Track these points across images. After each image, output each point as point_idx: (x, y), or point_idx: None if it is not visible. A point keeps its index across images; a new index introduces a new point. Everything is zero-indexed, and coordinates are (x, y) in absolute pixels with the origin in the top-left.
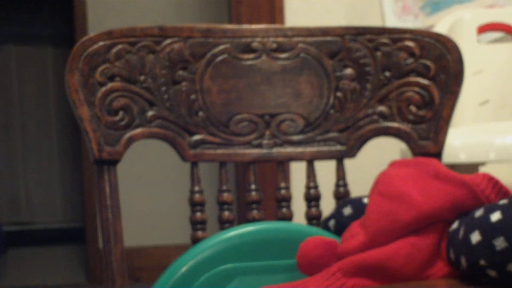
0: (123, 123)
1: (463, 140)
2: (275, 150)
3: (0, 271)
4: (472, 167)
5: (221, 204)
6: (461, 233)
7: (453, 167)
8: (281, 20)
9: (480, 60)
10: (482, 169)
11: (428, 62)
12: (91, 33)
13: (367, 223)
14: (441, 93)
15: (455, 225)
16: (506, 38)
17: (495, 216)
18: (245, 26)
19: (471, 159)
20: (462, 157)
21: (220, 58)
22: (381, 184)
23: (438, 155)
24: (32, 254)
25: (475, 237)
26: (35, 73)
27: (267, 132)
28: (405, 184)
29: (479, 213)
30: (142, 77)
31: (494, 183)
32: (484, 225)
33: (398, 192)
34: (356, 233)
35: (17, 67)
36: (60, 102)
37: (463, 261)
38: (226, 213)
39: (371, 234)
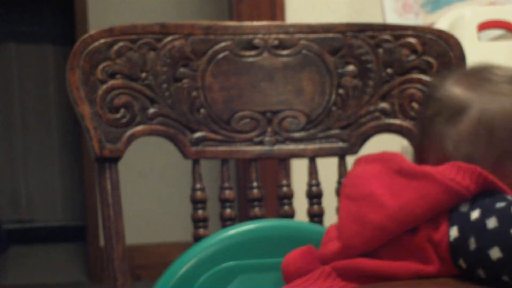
0: (124, 120)
1: None
2: (277, 147)
3: (0, 269)
4: None
5: (223, 202)
6: (473, 244)
7: None
8: (281, 17)
9: (480, 58)
10: None
11: (430, 59)
12: (92, 31)
13: (340, 229)
14: None
15: (454, 232)
16: (507, 36)
17: None
18: (247, 23)
19: None
20: None
21: (221, 55)
22: (348, 187)
23: None
24: (33, 252)
25: (496, 253)
26: (35, 71)
27: (269, 129)
28: (371, 184)
29: (492, 223)
30: (143, 75)
31: (468, 171)
32: (505, 241)
33: (364, 193)
34: (333, 237)
35: (17, 65)
36: (61, 100)
37: (481, 273)
38: (228, 211)
39: (345, 239)
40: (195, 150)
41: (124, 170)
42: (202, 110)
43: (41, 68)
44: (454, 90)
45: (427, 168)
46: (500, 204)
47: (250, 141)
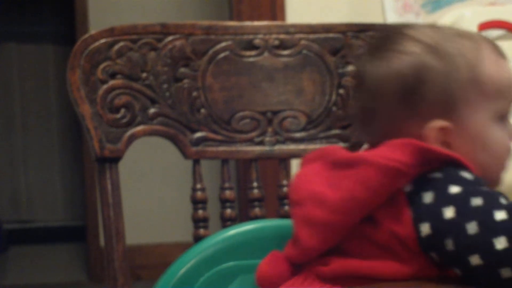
0: (124, 120)
1: None
2: (277, 147)
3: (1, 269)
4: None
5: (223, 202)
6: (450, 246)
7: None
8: (282, 18)
9: None
10: None
11: None
12: (92, 31)
13: (295, 235)
14: None
15: (426, 228)
16: (507, 36)
17: (501, 244)
18: (247, 23)
19: None
20: None
21: (222, 55)
22: (292, 193)
23: None
24: (33, 252)
25: (475, 260)
26: (36, 71)
27: (269, 129)
28: (311, 183)
29: (472, 229)
30: (144, 75)
31: (402, 145)
32: (487, 250)
33: (306, 194)
34: (296, 240)
35: (18, 65)
36: (61, 100)
37: (457, 271)
38: (228, 211)
39: (301, 244)
40: (196, 150)
41: (124, 170)
42: (202, 110)
43: (41, 68)
44: (358, 64)
45: (361, 154)
46: (476, 202)
47: (250, 141)
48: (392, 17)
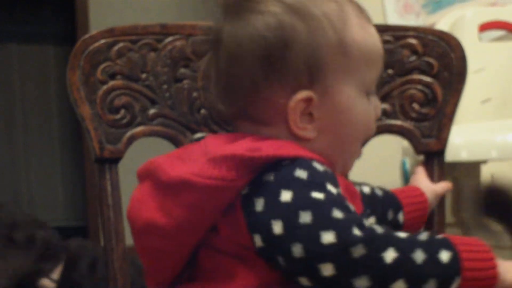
0: (124, 121)
1: (465, 138)
2: None
3: None
4: (473, 165)
5: None
6: (281, 262)
7: (455, 165)
8: None
9: (481, 58)
10: (484, 168)
11: (431, 60)
12: (93, 31)
13: (145, 267)
14: (444, 91)
15: (258, 240)
16: (508, 37)
17: (327, 271)
18: None
19: (473, 157)
20: (464, 155)
21: None
22: (130, 222)
23: (441, 152)
24: None
25: (304, 281)
26: (36, 72)
27: None
28: (145, 210)
29: (297, 252)
30: (143, 75)
31: (223, 160)
32: (312, 276)
33: (142, 224)
34: (146, 272)
35: (19, 65)
36: (62, 100)
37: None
38: None
39: (155, 278)
40: None
41: (124, 171)
42: (202, 111)
43: (42, 69)
44: (215, 24)
45: (184, 174)
46: (304, 218)
47: None
48: (393, 17)
